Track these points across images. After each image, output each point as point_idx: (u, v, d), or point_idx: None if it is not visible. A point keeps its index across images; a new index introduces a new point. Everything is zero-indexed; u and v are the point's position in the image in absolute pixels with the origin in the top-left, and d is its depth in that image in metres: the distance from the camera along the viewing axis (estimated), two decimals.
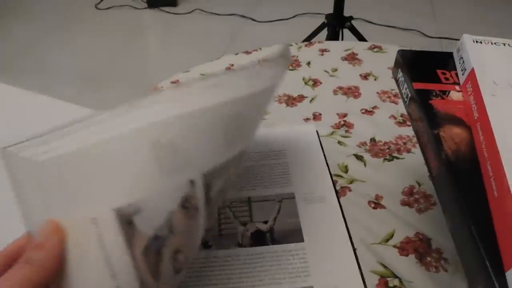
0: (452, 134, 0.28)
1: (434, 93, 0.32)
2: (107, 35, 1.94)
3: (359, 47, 0.69)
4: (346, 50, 0.69)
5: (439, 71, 0.34)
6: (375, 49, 0.68)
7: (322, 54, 0.69)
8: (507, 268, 0.21)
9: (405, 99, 0.34)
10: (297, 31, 1.60)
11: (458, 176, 0.25)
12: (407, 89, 0.34)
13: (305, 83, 0.62)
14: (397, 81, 0.36)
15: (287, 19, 1.99)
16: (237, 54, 0.71)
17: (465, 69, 0.33)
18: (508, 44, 0.34)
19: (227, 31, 1.94)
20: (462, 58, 0.34)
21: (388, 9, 2.03)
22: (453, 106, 0.30)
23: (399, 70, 0.35)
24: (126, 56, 1.79)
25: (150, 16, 2.11)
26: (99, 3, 2.17)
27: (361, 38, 1.19)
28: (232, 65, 0.68)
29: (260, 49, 0.72)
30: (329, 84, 0.61)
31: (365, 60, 0.66)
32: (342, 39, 1.21)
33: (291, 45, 0.72)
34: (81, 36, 1.95)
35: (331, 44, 0.71)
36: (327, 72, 0.64)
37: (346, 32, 1.20)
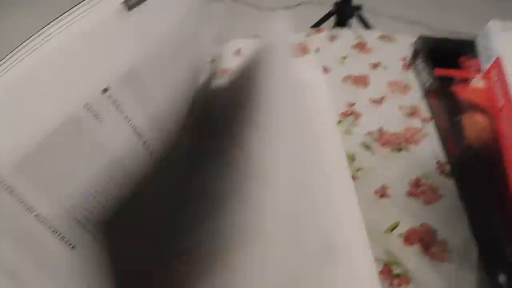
0: (474, 121, 0.28)
1: (455, 80, 0.31)
2: None
3: (369, 36, 0.68)
4: (356, 39, 0.68)
5: (460, 58, 0.33)
6: (386, 39, 0.68)
7: (331, 42, 0.68)
8: None
9: (424, 87, 0.34)
10: (301, 20, 1.58)
11: (480, 162, 0.25)
12: (427, 76, 0.33)
13: None
14: (415, 69, 0.36)
15: (291, 7, 1.96)
16: (245, 38, 0.70)
17: (490, 57, 0.32)
18: None
19: (229, 17, 1.92)
20: (486, 45, 0.33)
21: (396, 0, 2.01)
22: (475, 93, 0.30)
23: (418, 56, 0.35)
24: None
25: None
26: None
27: (369, 28, 1.18)
28: (240, 50, 0.67)
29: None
30: (338, 72, 0.61)
31: (375, 50, 0.65)
32: (349, 27, 1.20)
33: (300, 32, 0.71)
34: None
35: (341, 32, 0.70)
36: (337, 59, 0.63)
37: (354, 22, 1.19)
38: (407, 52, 0.64)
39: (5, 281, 0.19)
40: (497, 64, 0.31)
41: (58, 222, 0.21)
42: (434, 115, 0.33)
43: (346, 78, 0.59)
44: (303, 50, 0.66)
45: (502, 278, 0.22)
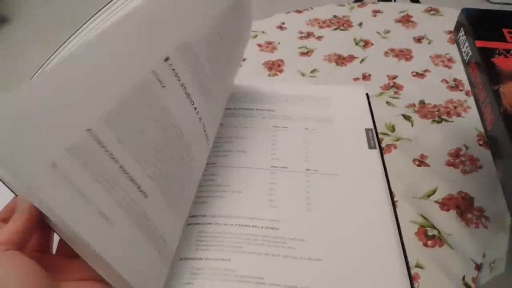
0: None
1: (497, 51, 0.32)
2: None
3: (415, 9, 0.67)
4: (400, 12, 0.68)
5: (505, 30, 0.34)
6: (432, 12, 0.67)
7: (375, 16, 0.68)
8: None
9: (465, 58, 0.35)
10: None
11: None
12: (468, 48, 0.34)
13: (356, 43, 0.62)
14: (457, 41, 0.36)
15: None
16: (288, 12, 0.71)
17: None
18: None
19: None
20: None
21: None
22: None
23: (461, 28, 0.36)
24: None
25: None
26: None
27: (416, 1, 1.14)
28: (283, 23, 0.69)
29: (312, 8, 0.72)
30: (380, 45, 0.61)
31: (420, 23, 0.65)
32: (395, 0, 1.17)
33: (343, 5, 0.71)
34: None
35: (385, 5, 0.70)
36: (379, 33, 0.64)
37: None
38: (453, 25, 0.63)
39: (102, 223, 0.23)
40: None
41: (135, 174, 0.25)
42: (474, 87, 0.34)
43: (389, 52, 0.60)
44: (346, 24, 0.67)
45: None
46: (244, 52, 0.63)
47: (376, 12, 0.69)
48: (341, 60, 0.59)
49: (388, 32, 0.64)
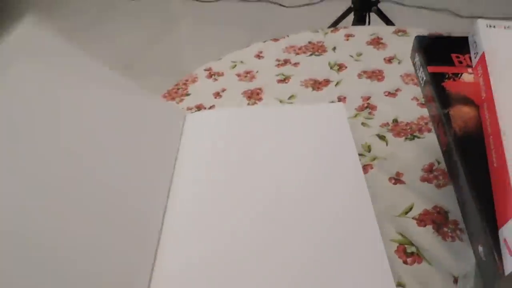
0: (461, 113, 0.31)
1: (447, 76, 0.34)
2: (140, 25, 2.01)
3: (384, 31, 0.71)
4: (371, 35, 0.71)
5: (453, 55, 0.36)
6: (400, 33, 0.70)
7: (348, 39, 0.71)
8: (500, 226, 0.24)
9: (421, 82, 0.37)
10: (325, 16, 1.60)
11: (464, 149, 0.28)
12: (423, 72, 0.36)
13: (331, 67, 0.65)
14: (414, 65, 0.39)
15: (315, 3, 1.98)
16: (265, 41, 0.74)
17: (477, 53, 0.35)
18: None
19: (255, 17, 1.97)
20: (475, 42, 0.36)
21: None
22: (464, 87, 0.33)
23: (416, 54, 0.38)
24: (159, 44, 1.86)
25: (180, 5, 2.16)
26: None
27: (388, 21, 1.19)
28: (261, 52, 0.71)
29: (288, 36, 0.75)
30: (354, 68, 0.64)
31: (389, 44, 0.68)
32: (369, 24, 1.21)
33: (317, 31, 0.74)
34: (115, 26, 2.03)
35: (357, 29, 0.73)
36: (352, 56, 0.66)
37: (374, 16, 1.20)
38: None
39: None
40: (483, 59, 0.34)
41: None
42: (429, 109, 0.36)
43: (362, 74, 0.62)
44: (321, 49, 0.69)
45: (481, 249, 0.25)
46: (225, 83, 0.65)
47: (348, 36, 0.72)
48: (317, 84, 0.62)
49: (361, 54, 0.66)
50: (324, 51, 0.69)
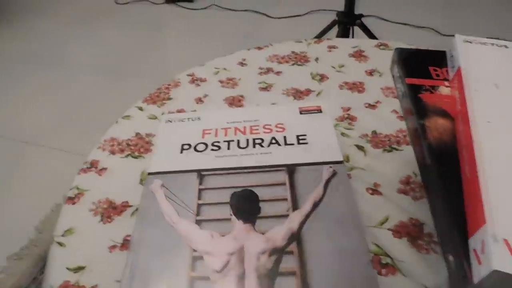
0: (437, 124, 0.31)
1: (424, 88, 0.35)
2: (126, 30, 2.00)
3: (366, 45, 0.72)
4: (353, 47, 0.72)
5: (431, 68, 0.37)
6: (382, 46, 0.71)
7: (330, 51, 0.71)
8: (469, 236, 0.24)
9: (400, 93, 0.37)
10: (310, 27, 1.63)
11: (438, 159, 0.29)
12: (401, 84, 0.37)
13: (313, 77, 0.65)
14: (393, 77, 0.39)
15: (301, 15, 2.01)
16: (249, 49, 0.74)
17: (454, 67, 0.36)
18: (496, 44, 0.37)
19: (242, 26, 1.98)
20: (452, 56, 0.37)
21: (402, 6, 2.03)
22: (440, 99, 0.34)
23: (395, 66, 0.39)
24: (144, 49, 1.85)
25: (167, 11, 2.16)
26: None
27: (371, 35, 1.21)
28: (244, 60, 0.71)
29: (271, 45, 0.75)
30: (335, 79, 0.64)
31: (371, 57, 0.69)
32: (353, 37, 1.23)
33: (301, 42, 0.75)
34: (101, 30, 2.01)
35: (340, 41, 0.74)
36: (334, 68, 0.67)
37: (358, 29, 1.23)
38: None
39: None
40: (459, 73, 0.35)
41: None
42: (406, 120, 0.36)
43: (343, 85, 0.63)
44: (304, 60, 0.70)
45: (451, 259, 0.25)
46: (207, 90, 0.65)
47: (331, 47, 0.72)
48: (298, 94, 0.62)
49: (343, 66, 0.67)
50: (307, 61, 0.69)
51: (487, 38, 0.38)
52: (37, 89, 1.64)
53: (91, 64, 1.77)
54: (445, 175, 0.28)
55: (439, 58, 0.38)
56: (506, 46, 0.37)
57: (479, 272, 0.23)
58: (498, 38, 0.38)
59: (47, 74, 1.72)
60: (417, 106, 0.33)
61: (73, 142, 1.35)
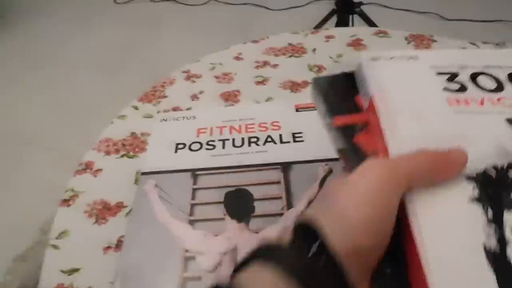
0: None
1: (356, 128, 0.27)
2: (125, 28, 1.99)
3: (365, 33, 0.70)
4: (351, 36, 0.70)
5: (359, 97, 0.29)
6: (380, 34, 0.69)
7: (328, 41, 0.70)
8: None
9: (329, 134, 0.29)
10: (310, 18, 1.60)
11: None
12: (329, 125, 0.29)
13: (310, 69, 0.64)
14: (318, 110, 0.31)
15: (300, 6, 1.98)
16: (245, 43, 0.73)
17: (366, 95, 0.28)
18: (405, 57, 0.30)
19: (241, 20, 1.96)
20: (362, 82, 0.29)
21: None
22: (376, 141, 0.26)
23: (317, 101, 0.30)
24: (143, 47, 1.84)
25: (166, 8, 2.14)
26: None
27: (371, 23, 1.19)
28: (240, 54, 0.70)
29: (268, 37, 0.74)
30: (333, 69, 0.63)
31: (370, 46, 0.67)
32: (353, 25, 1.21)
33: (298, 33, 0.73)
34: (100, 29, 2.00)
35: (337, 31, 0.72)
36: (332, 58, 0.65)
37: (357, 18, 1.20)
38: (401, 45, 0.66)
39: None
40: (371, 106, 0.27)
41: None
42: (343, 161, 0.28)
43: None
44: (300, 51, 0.68)
45: (388, 270, 0.23)
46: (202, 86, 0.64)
47: (328, 37, 0.71)
48: (295, 86, 0.61)
49: (341, 56, 0.66)
50: (304, 52, 0.68)
51: (396, 50, 0.30)
52: (35, 87, 1.64)
53: (90, 61, 1.77)
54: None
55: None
56: (416, 57, 0.30)
57: None
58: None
59: (45, 73, 1.72)
60: (355, 157, 0.25)
61: (71, 141, 1.35)
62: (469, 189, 0.23)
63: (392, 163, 0.23)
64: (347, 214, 0.21)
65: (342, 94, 0.29)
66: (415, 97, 0.27)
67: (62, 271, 0.40)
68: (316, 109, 0.31)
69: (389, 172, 0.22)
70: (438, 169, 0.23)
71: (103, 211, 0.46)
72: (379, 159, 0.24)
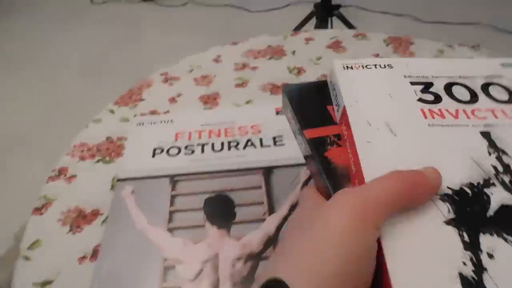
0: None
1: (328, 141, 0.26)
2: (103, 29, 1.95)
3: (344, 35, 0.70)
4: (331, 38, 0.70)
5: (330, 107, 0.28)
6: (359, 36, 0.69)
7: (307, 43, 0.70)
8: None
9: (303, 152, 0.28)
10: (290, 20, 1.61)
11: None
12: (300, 138, 0.28)
13: (290, 71, 0.63)
14: (288, 121, 0.30)
15: (280, 8, 1.99)
16: (224, 45, 0.72)
17: (339, 106, 0.27)
18: (379, 65, 0.29)
19: (221, 21, 1.95)
20: (334, 90, 0.28)
21: None
22: (346, 154, 0.25)
23: (288, 111, 0.30)
24: (121, 48, 1.80)
25: (145, 9, 2.11)
26: None
27: (350, 26, 1.20)
28: (219, 56, 0.69)
29: (247, 40, 0.73)
30: (313, 72, 0.63)
31: (349, 48, 0.67)
32: (331, 27, 1.22)
33: (278, 35, 0.73)
34: (77, 29, 1.95)
35: (317, 33, 0.72)
36: (312, 60, 0.65)
37: (336, 20, 1.21)
38: (380, 47, 0.66)
39: None
40: (344, 116, 0.26)
41: None
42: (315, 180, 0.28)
43: (321, 77, 0.61)
44: (280, 53, 0.68)
45: None
46: (181, 88, 0.63)
47: (308, 39, 0.71)
48: (275, 88, 0.60)
49: (320, 58, 0.66)
50: (284, 55, 0.68)
51: (369, 58, 0.30)
52: (13, 89, 1.59)
53: (67, 62, 1.72)
54: None
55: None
56: (390, 66, 0.29)
57: None
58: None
59: (22, 74, 1.66)
60: (327, 172, 0.24)
61: (50, 145, 1.31)
62: (444, 210, 0.22)
63: (362, 197, 0.21)
64: (315, 269, 0.19)
65: (313, 104, 0.28)
66: (389, 108, 0.26)
67: (35, 284, 0.38)
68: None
69: (362, 210, 0.20)
70: (413, 194, 0.21)
71: (78, 219, 0.44)
72: (345, 196, 0.21)
